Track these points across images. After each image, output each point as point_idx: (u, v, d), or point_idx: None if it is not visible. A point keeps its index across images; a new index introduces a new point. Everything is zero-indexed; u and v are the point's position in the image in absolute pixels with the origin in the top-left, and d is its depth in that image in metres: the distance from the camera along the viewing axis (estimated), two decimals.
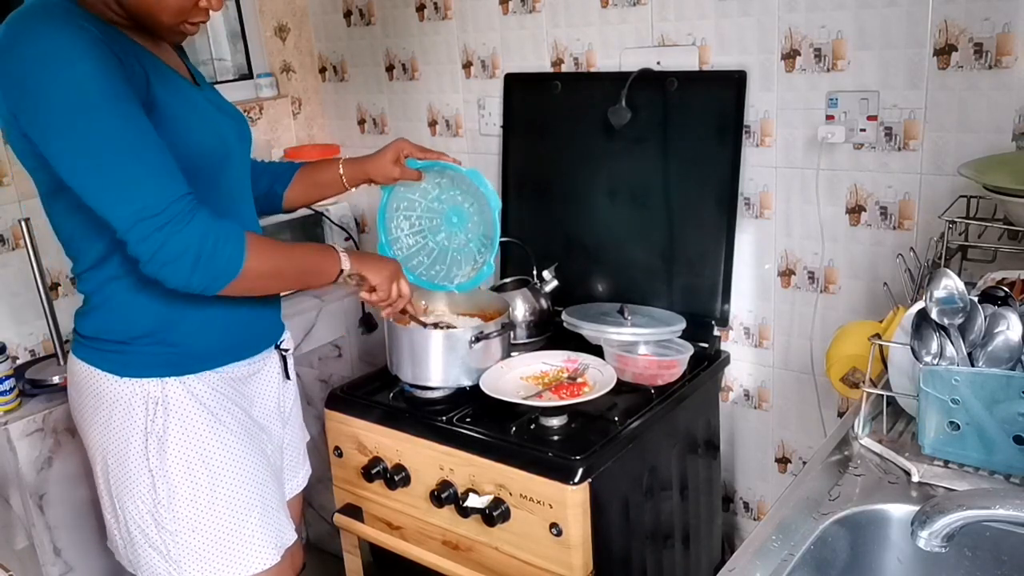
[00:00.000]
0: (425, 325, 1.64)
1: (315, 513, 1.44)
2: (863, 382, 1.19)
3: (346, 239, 2.31)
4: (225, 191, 1.30)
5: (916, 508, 0.81)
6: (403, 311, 1.49)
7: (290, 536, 1.40)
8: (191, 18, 1.19)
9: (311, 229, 2.27)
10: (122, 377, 1.27)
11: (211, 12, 1.21)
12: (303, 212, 2.15)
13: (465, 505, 1.50)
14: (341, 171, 1.56)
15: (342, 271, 1.33)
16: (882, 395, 1.14)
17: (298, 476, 1.56)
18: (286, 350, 1.48)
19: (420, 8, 2.20)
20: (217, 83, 2.39)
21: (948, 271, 1.04)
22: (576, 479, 1.39)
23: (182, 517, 1.28)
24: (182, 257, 1.12)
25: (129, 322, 1.26)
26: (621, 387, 1.59)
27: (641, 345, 1.69)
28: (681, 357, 1.66)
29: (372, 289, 1.39)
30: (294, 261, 1.29)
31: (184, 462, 1.27)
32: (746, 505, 2.04)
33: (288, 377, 1.48)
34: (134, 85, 1.13)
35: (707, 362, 1.77)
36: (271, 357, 1.44)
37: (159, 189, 1.11)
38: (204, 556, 1.29)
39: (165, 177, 1.12)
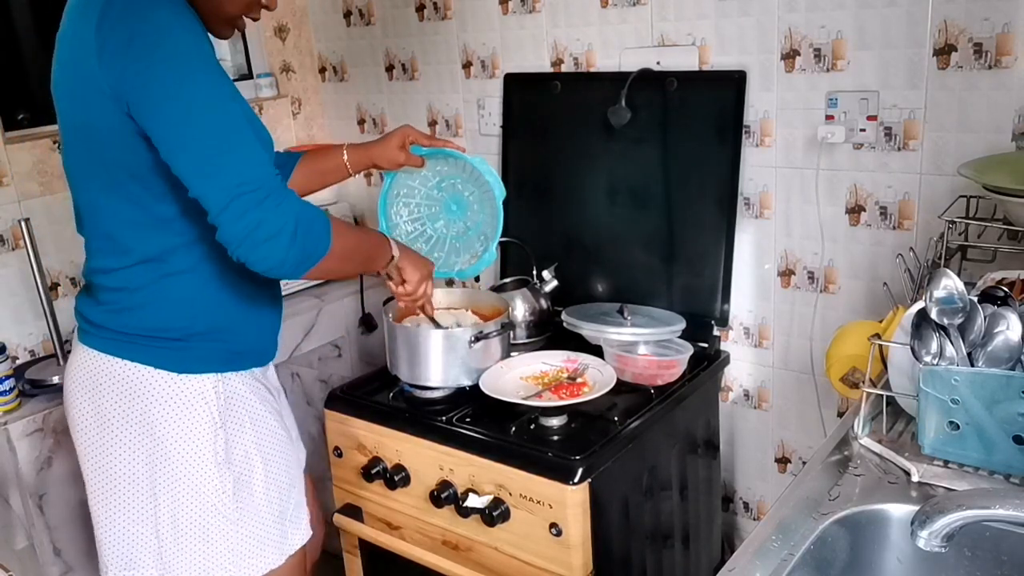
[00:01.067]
0: (438, 325, 1.64)
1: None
2: (863, 382, 1.19)
3: None
4: None
5: (916, 508, 0.81)
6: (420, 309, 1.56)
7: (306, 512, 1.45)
8: (250, 12, 1.25)
9: None
10: (180, 374, 1.25)
11: (269, 8, 1.26)
12: None
13: (465, 505, 1.50)
14: (345, 157, 1.58)
15: (392, 258, 1.38)
16: (882, 395, 1.14)
17: None
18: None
19: (420, 8, 2.20)
20: None
21: (948, 271, 1.04)
22: (576, 479, 1.39)
23: (244, 505, 1.30)
24: (280, 235, 1.10)
25: (189, 318, 1.25)
26: (621, 387, 1.59)
27: (641, 345, 1.69)
28: (681, 357, 1.66)
29: (403, 282, 1.45)
30: (362, 243, 1.33)
31: (245, 451, 1.30)
32: (746, 505, 2.04)
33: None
34: None
35: (707, 362, 1.77)
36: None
37: (256, 164, 1.11)
38: (257, 540, 1.32)
39: (259, 153, 1.13)
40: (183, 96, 1.09)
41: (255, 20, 1.28)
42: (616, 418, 1.54)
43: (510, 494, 1.47)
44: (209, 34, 1.21)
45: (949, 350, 1.03)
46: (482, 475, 1.50)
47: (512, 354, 1.71)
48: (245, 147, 1.11)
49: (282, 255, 1.11)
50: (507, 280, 2.00)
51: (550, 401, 1.53)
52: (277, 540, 1.36)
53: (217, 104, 1.10)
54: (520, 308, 1.86)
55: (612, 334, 1.69)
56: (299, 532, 1.40)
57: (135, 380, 1.25)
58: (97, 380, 1.27)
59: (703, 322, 1.81)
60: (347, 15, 2.38)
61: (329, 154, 1.59)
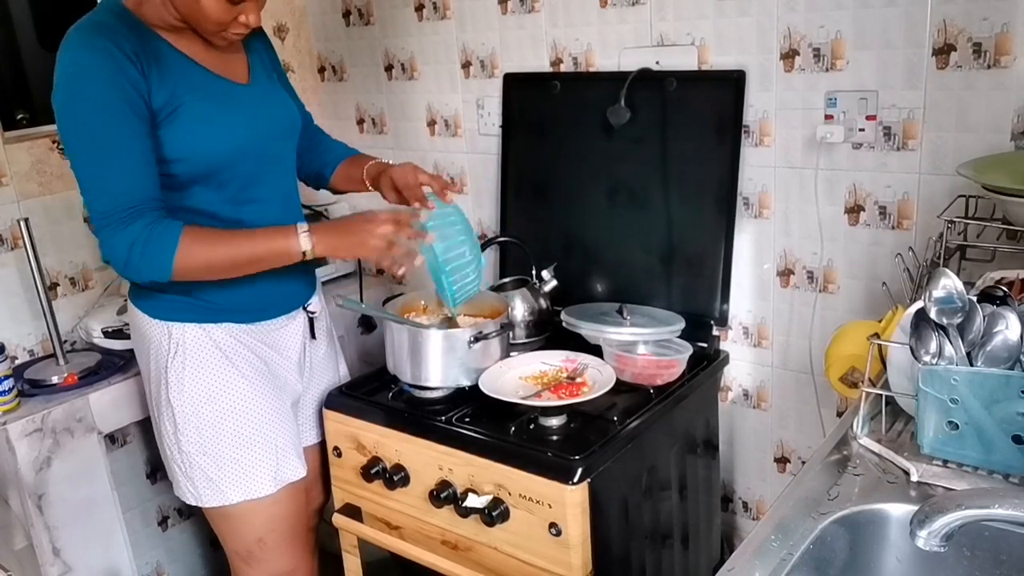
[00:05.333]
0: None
1: None
2: (862, 382, 1.19)
3: None
4: (254, 179, 1.48)
5: (915, 508, 0.81)
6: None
7: (293, 474, 1.60)
8: (231, 29, 1.38)
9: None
10: (154, 319, 1.49)
11: (249, 26, 1.38)
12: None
13: (464, 505, 1.50)
14: (364, 171, 1.66)
15: (304, 254, 1.41)
16: (881, 395, 1.14)
17: (311, 432, 1.75)
18: (313, 312, 1.67)
19: (419, 8, 2.20)
20: None
21: (947, 271, 1.04)
22: (575, 479, 1.39)
23: (194, 442, 1.51)
24: (114, 258, 1.34)
25: None
26: (620, 387, 1.59)
27: (640, 345, 1.69)
28: (680, 357, 1.66)
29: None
30: (235, 251, 1.38)
31: (195, 397, 1.49)
32: (745, 505, 2.04)
33: (314, 337, 1.68)
34: (156, 90, 1.33)
35: (706, 362, 1.77)
36: (298, 317, 1.63)
37: (111, 198, 1.31)
38: (211, 477, 1.52)
39: (123, 186, 1.32)
40: (70, 136, 1.32)
41: (242, 35, 1.40)
42: (615, 418, 1.54)
43: (509, 494, 1.47)
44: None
45: (948, 350, 1.03)
46: (481, 475, 1.50)
47: (511, 354, 1.71)
48: (104, 185, 1.32)
49: (121, 271, 1.36)
50: (506, 280, 2.00)
51: (549, 401, 1.53)
52: (228, 483, 1.53)
53: (92, 145, 1.31)
54: (519, 308, 1.86)
55: (611, 334, 1.69)
56: (255, 485, 1.54)
57: (137, 322, 1.53)
58: (130, 322, 1.58)
59: (702, 322, 1.81)
60: (346, 15, 2.38)
61: (358, 163, 1.70)
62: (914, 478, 1.03)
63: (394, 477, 1.61)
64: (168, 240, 1.33)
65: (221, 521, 1.59)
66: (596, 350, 1.69)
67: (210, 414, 1.50)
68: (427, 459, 1.57)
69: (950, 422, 1.03)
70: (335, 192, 1.77)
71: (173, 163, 1.37)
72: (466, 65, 2.17)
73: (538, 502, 1.43)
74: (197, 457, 1.51)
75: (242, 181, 1.46)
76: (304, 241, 1.39)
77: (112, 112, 1.30)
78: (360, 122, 2.47)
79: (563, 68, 2.00)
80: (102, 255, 1.36)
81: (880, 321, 1.29)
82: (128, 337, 1.90)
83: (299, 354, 1.64)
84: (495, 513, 1.46)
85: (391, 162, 1.67)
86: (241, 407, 1.52)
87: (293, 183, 1.61)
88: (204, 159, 1.39)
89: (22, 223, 1.74)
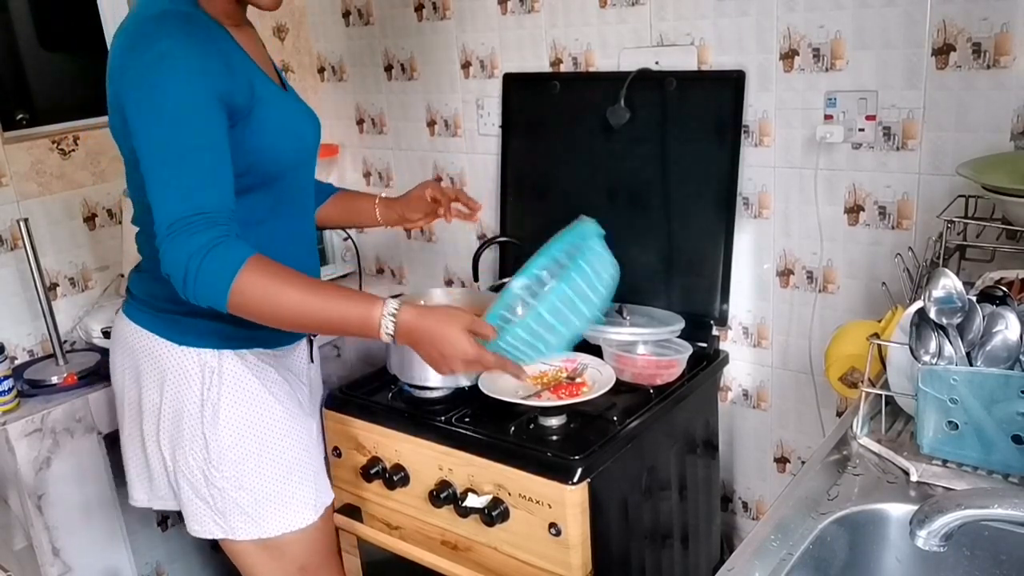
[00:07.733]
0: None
1: None
2: (862, 382, 1.19)
3: (344, 239, 2.31)
4: (300, 188, 1.42)
5: (915, 508, 0.81)
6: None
7: (328, 497, 1.50)
8: None
9: None
10: (179, 345, 1.35)
11: None
12: None
13: (464, 505, 1.50)
14: (377, 210, 1.64)
15: (382, 336, 1.21)
16: (881, 395, 1.14)
17: None
18: (314, 335, 1.58)
19: (419, 8, 2.20)
20: None
21: (946, 271, 1.04)
22: (575, 479, 1.39)
23: (230, 477, 1.38)
24: (174, 272, 1.15)
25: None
26: (620, 387, 1.59)
27: (640, 345, 1.70)
28: (680, 357, 1.67)
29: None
30: (304, 300, 1.18)
31: (235, 429, 1.37)
32: (745, 505, 2.04)
33: (312, 360, 1.59)
34: (237, 90, 1.22)
35: (706, 362, 1.77)
36: (303, 341, 1.55)
37: (178, 203, 1.15)
38: (248, 512, 1.39)
39: (194, 192, 1.16)
40: (149, 132, 1.17)
41: None
42: (615, 418, 1.54)
43: (509, 494, 1.47)
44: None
45: (948, 350, 1.03)
46: (481, 475, 1.50)
47: None
48: (175, 187, 1.16)
49: (180, 289, 1.15)
50: (506, 280, 1.99)
51: (549, 401, 1.53)
52: (268, 517, 1.41)
53: (169, 144, 1.16)
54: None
55: (611, 334, 1.69)
56: (297, 516, 1.43)
57: (143, 344, 1.37)
58: (121, 338, 1.42)
59: (702, 322, 1.81)
60: (346, 15, 2.38)
61: (363, 199, 1.67)
62: (914, 478, 1.03)
63: (394, 477, 1.61)
64: (231, 261, 1.14)
65: (255, 554, 1.44)
66: (596, 350, 1.69)
67: (251, 446, 1.38)
68: (427, 459, 1.57)
69: (950, 422, 1.03)
70: (320, 227, 1.68)
71: (242, 168, 1.24)
72: (466, 65, 2.17)
73: (538, 502, 1.43)
74: (232, 492, 1.38)
75: (289, 186, 1.37)
76: (387, 325, 1.19)
77: (200, 104, 1.17)
78: (360, 122, 2.46)
79: (563, 68, 2.00)
80: (163, 264, 1.16)
81: (880, 321, 1.29)
82: None
83: (307, 377, 1.57)
84: (495, 513, 1.46)
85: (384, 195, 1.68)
86: (283, 436, 1.41)
87: (313, 190, 1.54)
88: (274, 164, 1.31)
89: (21, 223, 1.74)
